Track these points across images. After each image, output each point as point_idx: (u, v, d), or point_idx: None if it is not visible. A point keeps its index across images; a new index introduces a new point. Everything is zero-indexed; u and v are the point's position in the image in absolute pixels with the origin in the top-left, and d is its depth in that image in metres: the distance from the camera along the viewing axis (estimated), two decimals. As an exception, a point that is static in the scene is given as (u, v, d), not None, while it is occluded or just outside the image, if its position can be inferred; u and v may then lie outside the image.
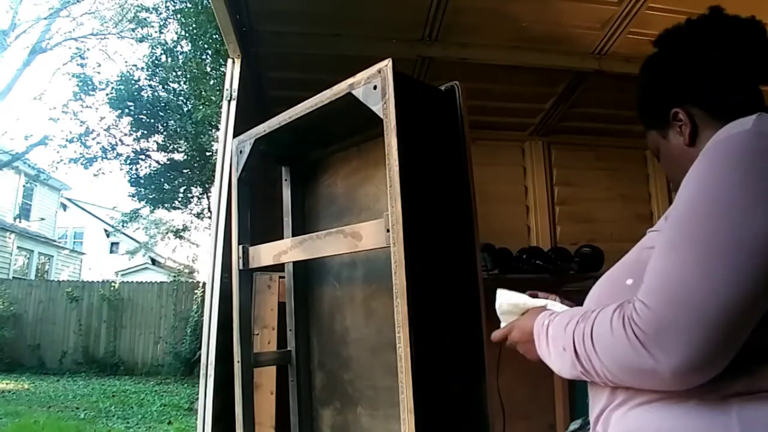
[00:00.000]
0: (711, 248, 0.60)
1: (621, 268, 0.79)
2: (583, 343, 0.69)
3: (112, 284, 10.33)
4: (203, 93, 8.57)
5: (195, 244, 15.40)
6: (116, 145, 10.44)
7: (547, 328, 0.79)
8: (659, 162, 0.92)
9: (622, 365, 0.64)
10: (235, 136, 1.60)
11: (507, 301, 0.95)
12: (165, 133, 10.10)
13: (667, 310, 0.60)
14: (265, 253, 1.46)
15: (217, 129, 7.04)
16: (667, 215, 0.72)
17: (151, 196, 10.44)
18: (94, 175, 10.76)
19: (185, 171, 10.25)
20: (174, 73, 9.63)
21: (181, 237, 13.31)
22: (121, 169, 10.49)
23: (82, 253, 17.91)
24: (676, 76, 0.83)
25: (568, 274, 2.60)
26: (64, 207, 18.38)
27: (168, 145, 10.30)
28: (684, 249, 0.62)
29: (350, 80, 1.18)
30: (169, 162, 10.45)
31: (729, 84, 0.79)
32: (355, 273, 1.50)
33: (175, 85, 9.99)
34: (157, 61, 9.80)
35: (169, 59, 9.55)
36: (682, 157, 0.81)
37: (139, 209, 11.21)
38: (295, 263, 1.63)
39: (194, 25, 8.31)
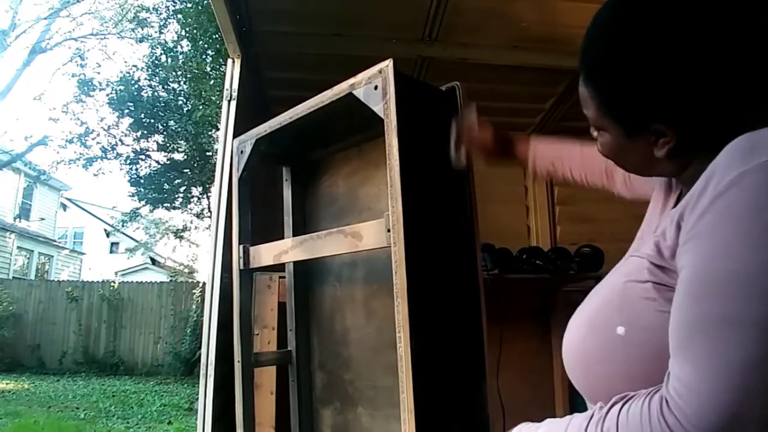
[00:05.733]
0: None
1: (605, 309, 0.69)
2: None
3: (112, 284, 10.33)
4: (203, 93, 8.56)
5: (195, 244, 15.39)
6: (116, 145, 10.46)
7: None
8: (599, 140, 0.74)
9: None
10: (235, 136, 1.60)
11: None
12: (165, 133, 10.10)
13: (729, 402, 0.50)
14: (265, 253, 1.46)
15: (217, 129, 7.04)
16: (658, 243, 0.63)
17: (151, 196, 10.44)
18: (94, 175, 10.78)
19: (185, 171, 10.25)
20: (174, 73, 9.63)
21: (180, 237, 13.31)
22: (121, 169, 10.51)
23: (82, 253, 17.91)
24: (673, 90, 0.61)
25: (568, 274, 2.60)
26: (64, 207, 18.39)
27: (168, 145, 10.30)
28: (742, 322, 0.51)
29: (351, 80, 1.18)
30: (169, 162, 10.45)
31: (737, 107, 0.62)
32: (356, 273, 1.51)
33: (175, 85, 9.99)
34: (157, 61, 9.80)
35: (169, 59, 9.55)
36: (650, 162, 0.69)
37: (139, 209, 11.21)
38: (295, 263, 1.63)
39: (194, 25, 8.31)
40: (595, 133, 0.75)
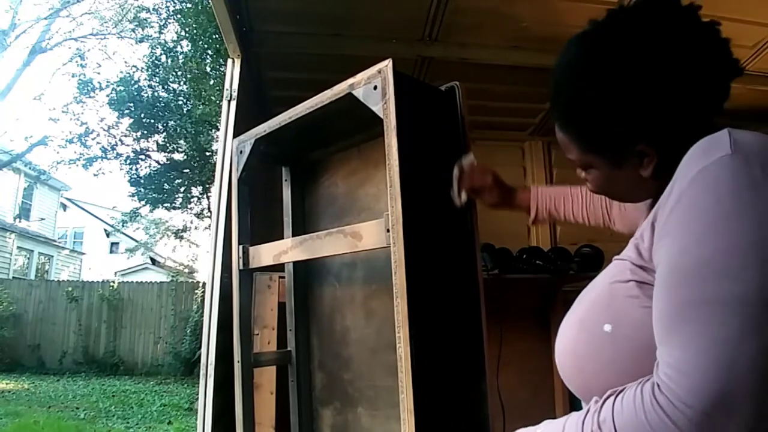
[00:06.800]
0: (753, 292, 0.53)
1: (593, 310, 0.72)
2: None
3: (112, 284, 10.33)
4: (203, 93, 8.56)
5: (195, 244, 15.39)
6: (116, 145, 10.46)
7: None
8: (588, 179, 0.79)
9: None
10: (235, 136, 1.60)
11: None
12: (165, 133, 10.10)
13: (719, 378, 0.52)
14: (265, 253, 1.46)
15: (217, 129, 7.05)
16: (637, 245, 0.66)
17: (151, 196, 10.44)
18: (94, 175, 10.78)
19: (185, 171, 10.25)
20: (174, 73, 9.63)
21: (180, 237, 13.31)
22: (121, 169, 10.51)
23: (82, 253, 17.91)
24: (645, 111, 0.67)
25: (568, 274, 2.60)
26: (64, 207, 18.39)
27: (168, 145, 10.30)
28: (719, 303, 0.54)
29: (350, 80, 1.18)
30: (169, 162, 10.45)
31: (702, 113, 0.69)
32: (355, 273, 1.50)
33: (175, 85, 9.99)
34: (157, 62, 9.80)
35: (169, 59, 9.55)
36: (639, 185, 0.74)
37: (139, 209, 11.21)
38: (295, 263, 1.63)
39: (194, 25, 8.31)
40: (582, 174, 0.80)
